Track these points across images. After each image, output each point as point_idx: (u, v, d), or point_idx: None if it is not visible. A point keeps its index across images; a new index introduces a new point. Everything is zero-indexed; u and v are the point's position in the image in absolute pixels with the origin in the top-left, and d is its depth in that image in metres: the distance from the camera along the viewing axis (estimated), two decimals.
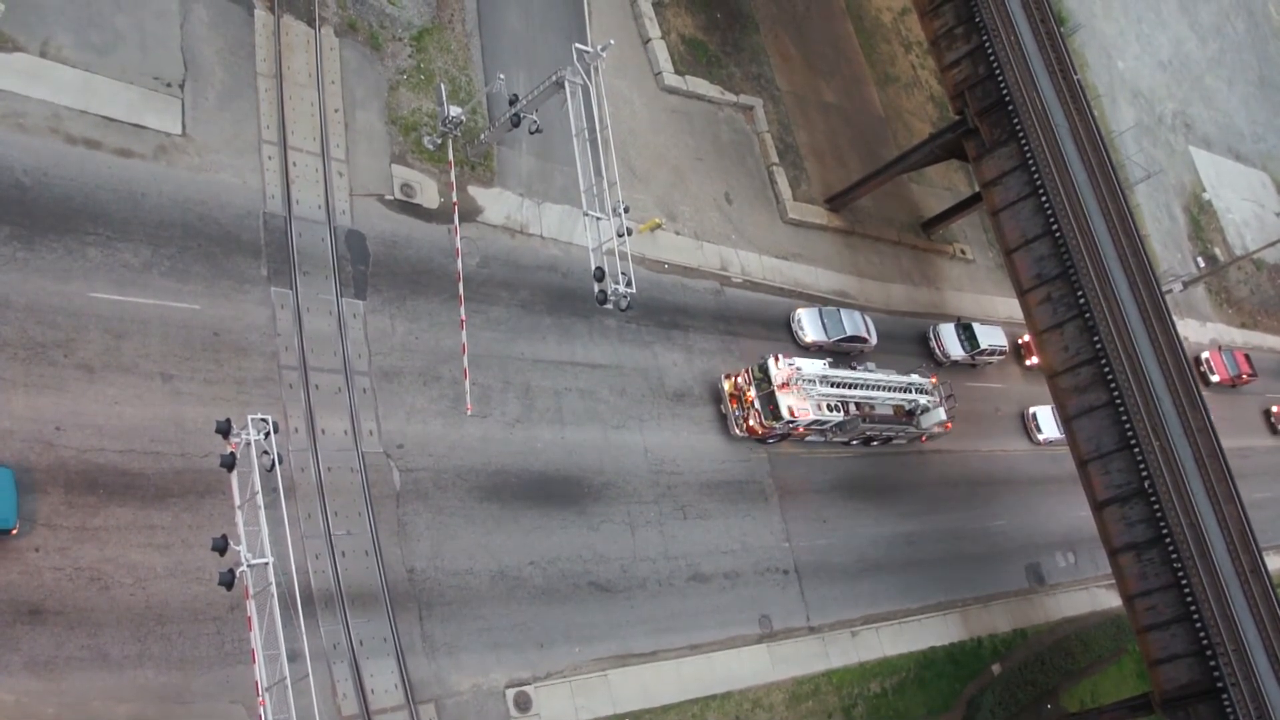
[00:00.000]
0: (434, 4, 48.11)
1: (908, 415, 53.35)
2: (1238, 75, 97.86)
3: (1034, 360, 63.85)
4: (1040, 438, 63.03)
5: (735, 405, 48.96)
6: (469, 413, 41.38)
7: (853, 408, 50.43)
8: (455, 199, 44.60)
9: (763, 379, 48.31)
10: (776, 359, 48.62)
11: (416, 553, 38.25)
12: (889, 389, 51.85)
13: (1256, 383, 77.82)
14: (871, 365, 53.40)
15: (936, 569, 54.21)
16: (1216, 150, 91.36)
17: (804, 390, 48.24)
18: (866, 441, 53.88)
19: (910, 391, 52.62)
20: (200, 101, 39.65)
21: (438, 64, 47.01)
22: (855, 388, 50.56)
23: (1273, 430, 78.35)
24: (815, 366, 49.52)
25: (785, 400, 47.81)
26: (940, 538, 55.27)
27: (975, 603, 55.35)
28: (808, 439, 51.43)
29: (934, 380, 54.51)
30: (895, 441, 55.03)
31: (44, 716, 29.56)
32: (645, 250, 49.74)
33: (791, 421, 48.03)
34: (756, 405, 48.14)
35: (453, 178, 44.74)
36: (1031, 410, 63.71)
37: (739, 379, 49.08)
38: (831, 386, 49.43)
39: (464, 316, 42.62)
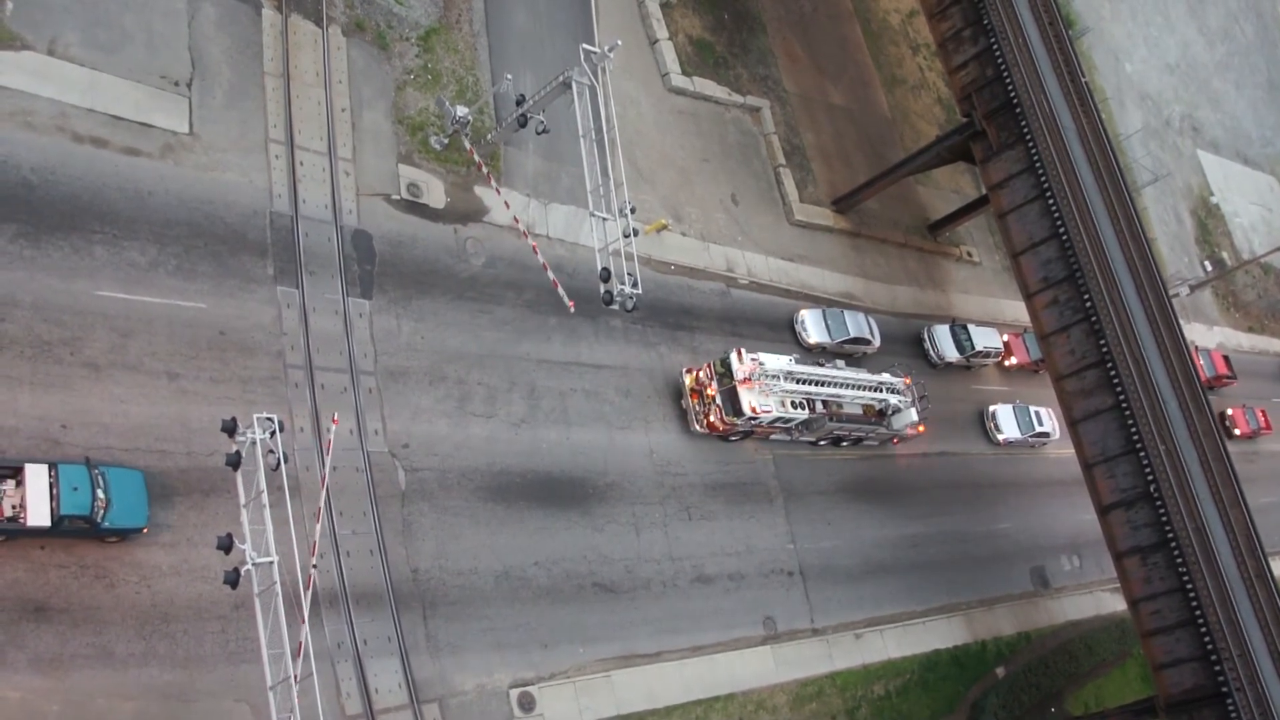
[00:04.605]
0: (441, 4, 48.12)
1: (879, 415, 51.78)
2: (1246, 79, 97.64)
3: (1012, 360, 63.17)
4: (1000, 438, 60.30)
5: (696, 400, 47.33)
6: (572, 309, 41.69)
7: (819, 406, 48.79)
8: (498, 188, 44.62)
9: (725, 374, 46.59)
10: (739, 353, 46.84)
11: (421, 552, 38.27)
12: (858, 388, 49.98)
13: (1236, 386, 75.86)
14: (840, 363, 51.88)
15: (941, 571, 54.11)
16: (1224, 154, 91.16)
17: (767, 386, 46.55)
18: (835, 442, 52.36)
19: (881, 391, 50.75)
20: (207, 100, 39.69)
21: (445, 64, 47.04)
22: (822, 385, 48.63)
23: (1227, 434, 74.15)
24: (780, 362, 47.46)
25: (748, 397, 46.09)
26: (945, 540, 55.16)
27: (979, 605, 55.24)
28: (772, 437, 49.99)
29: (907, 381, 52.61)
30: (866, 442, 53.59)
31: (48, 714, 29.61)
32: (651, 251, 49.72)
33: (754, 419, 46.44)
34: (718, 401, 46.47)
35: (484, 168, 44.42)
36: (991, 409, 60.91)
37: (700, 373, 47.39)
38: (797, 383, 47.59)
39: (543, 261, 43.13)
